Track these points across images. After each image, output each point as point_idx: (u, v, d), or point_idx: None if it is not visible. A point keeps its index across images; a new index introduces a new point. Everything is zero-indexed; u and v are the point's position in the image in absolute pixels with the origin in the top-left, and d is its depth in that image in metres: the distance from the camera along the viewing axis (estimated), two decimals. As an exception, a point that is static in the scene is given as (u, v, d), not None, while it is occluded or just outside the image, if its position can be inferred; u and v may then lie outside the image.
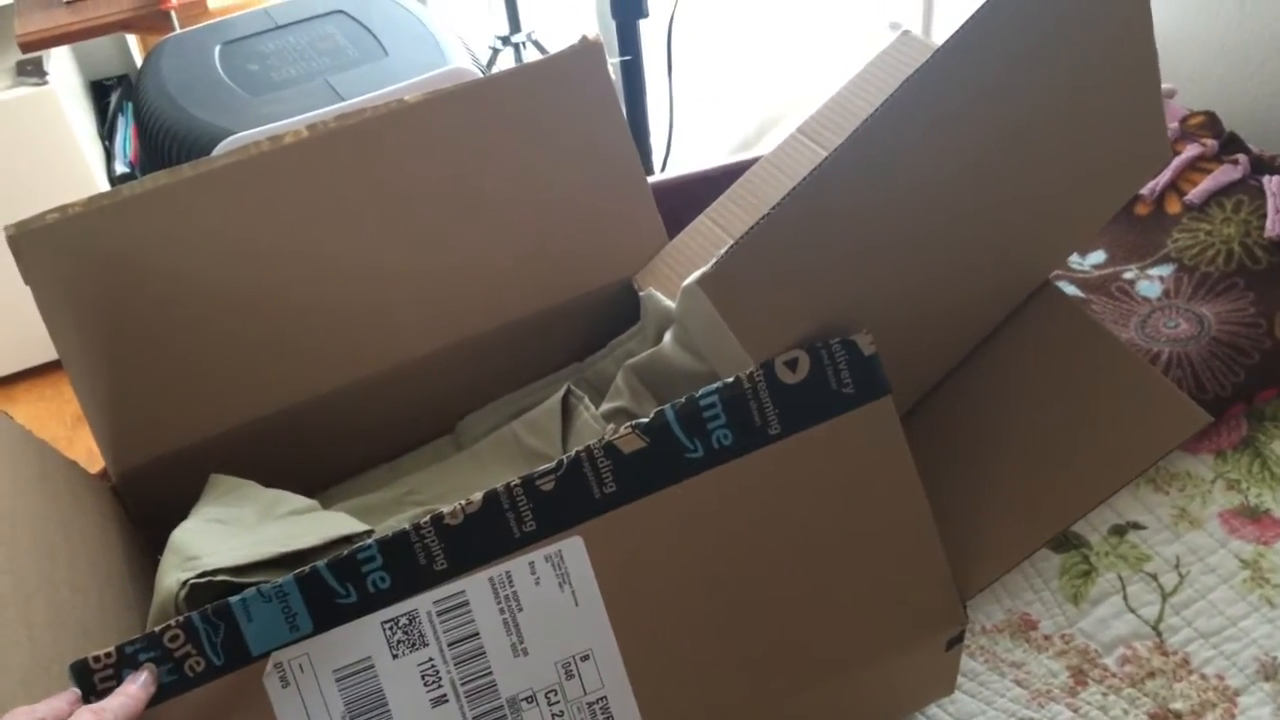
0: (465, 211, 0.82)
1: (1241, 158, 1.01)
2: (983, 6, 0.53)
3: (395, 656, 0.52)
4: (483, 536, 0.52)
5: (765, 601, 0.56)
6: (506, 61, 2.28)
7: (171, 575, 0.58)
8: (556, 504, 0.52)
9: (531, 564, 0.52)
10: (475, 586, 0.52)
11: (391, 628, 0.52)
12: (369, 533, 0.68)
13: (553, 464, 0.52)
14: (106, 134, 2.29)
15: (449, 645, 0.52)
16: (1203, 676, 0.74)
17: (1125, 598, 0.80)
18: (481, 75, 1.19)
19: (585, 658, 0.54)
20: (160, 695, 0.51)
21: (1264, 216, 0.96)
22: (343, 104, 1.09)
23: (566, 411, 0.81)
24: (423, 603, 0.52)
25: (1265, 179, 0.99)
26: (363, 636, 0.51)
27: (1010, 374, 0.66)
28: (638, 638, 0.54)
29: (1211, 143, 1.04)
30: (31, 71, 1.98)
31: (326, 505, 0.77)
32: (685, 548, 0.54)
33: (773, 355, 0.54)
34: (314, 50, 1.25)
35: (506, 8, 2.21)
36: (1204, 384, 0.87)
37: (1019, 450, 0.66)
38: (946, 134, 0.56)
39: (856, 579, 0.57)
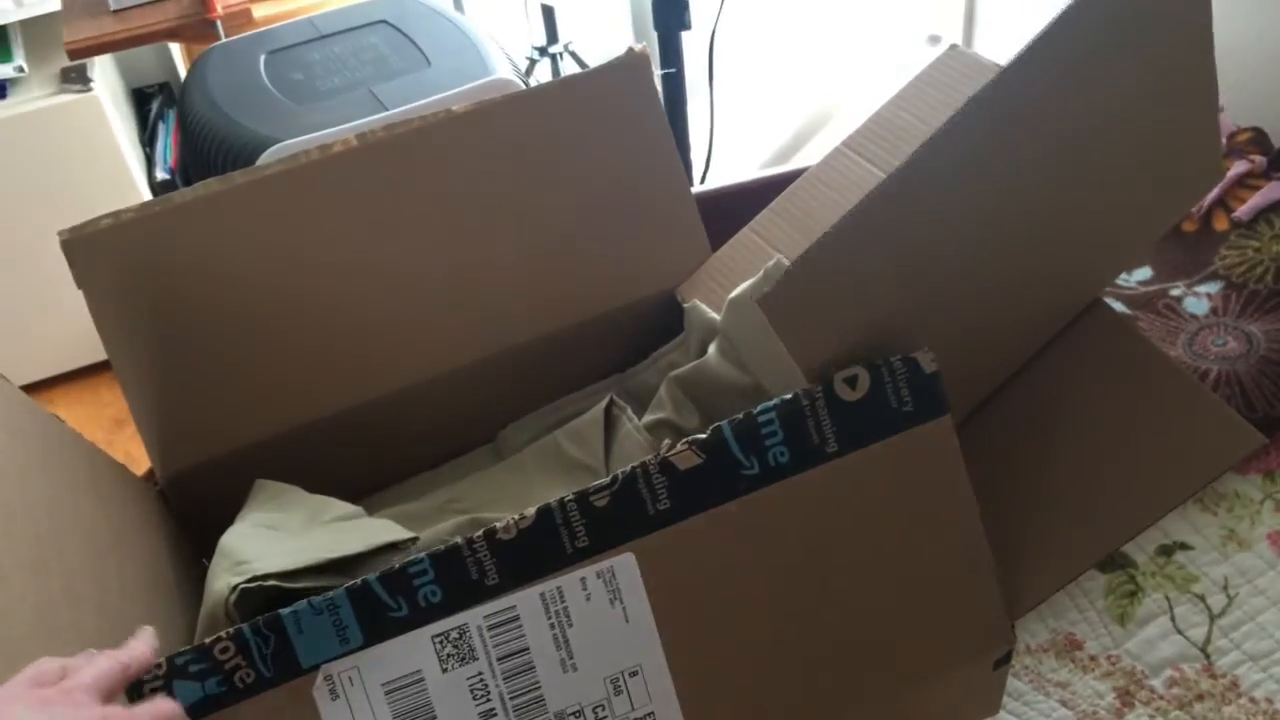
0: (510, 221, 0.82)
1: (1290, 174, 1.00)
2: (1048, 26, 0.52)
3: (445, 670, 0.52)
4: (535, 552, 0.52)
5: (815, 619, 0.56)
6: (543, 72, 2.30)
7: (222, 579, 0.58)
8: (610, 520, 0.52)
9: (583, 580, 0.52)
10: (526, 602, 0.52)
11: (442, 641, 0.52)
12: (414, 540, 0.68)
13: (607, 480, 0.52)
14: (147, 140, 2.31)
15: (498, 660, 0.52)
16: (1252, 700, 0.73)
17: (1173, 619, 0.79)
18: (523, 86, 1.20)
19: (634, 674, 0.54)
20: (209, 706, 0.51)
21: (1314, 234, 0.95)
22: (388, 113, 1.10)
23: (609, 422, 0.81)
24: (473, 617, 0.52)
25: (1315, 196, 0.98)
26: (413, 650, 0.51)
27: (1061, 391, 0.66)
28: (687, 655, 0.54)
29: (1260, 159, 1.02)
30: (75, 79, 2.01)
31: (369, 512, 0.77)
32: (737, 565, 0.54)
33: (831, 371, 0.54)
34: (357, 60, 1.26)
35: (544, 18, 2.22)
36: (1253, 403, 0.86)
37: (1069, 469, 0.65)
38: (1005, 152, 0.55)
39: (907, 597, 0.57)
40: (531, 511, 0.51)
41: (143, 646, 0.50)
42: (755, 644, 0.55)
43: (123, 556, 0.65)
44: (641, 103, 0.84)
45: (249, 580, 0.58)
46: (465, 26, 1.33)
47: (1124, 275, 1.00)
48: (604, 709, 0.54)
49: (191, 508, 0.76)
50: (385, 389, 0.80)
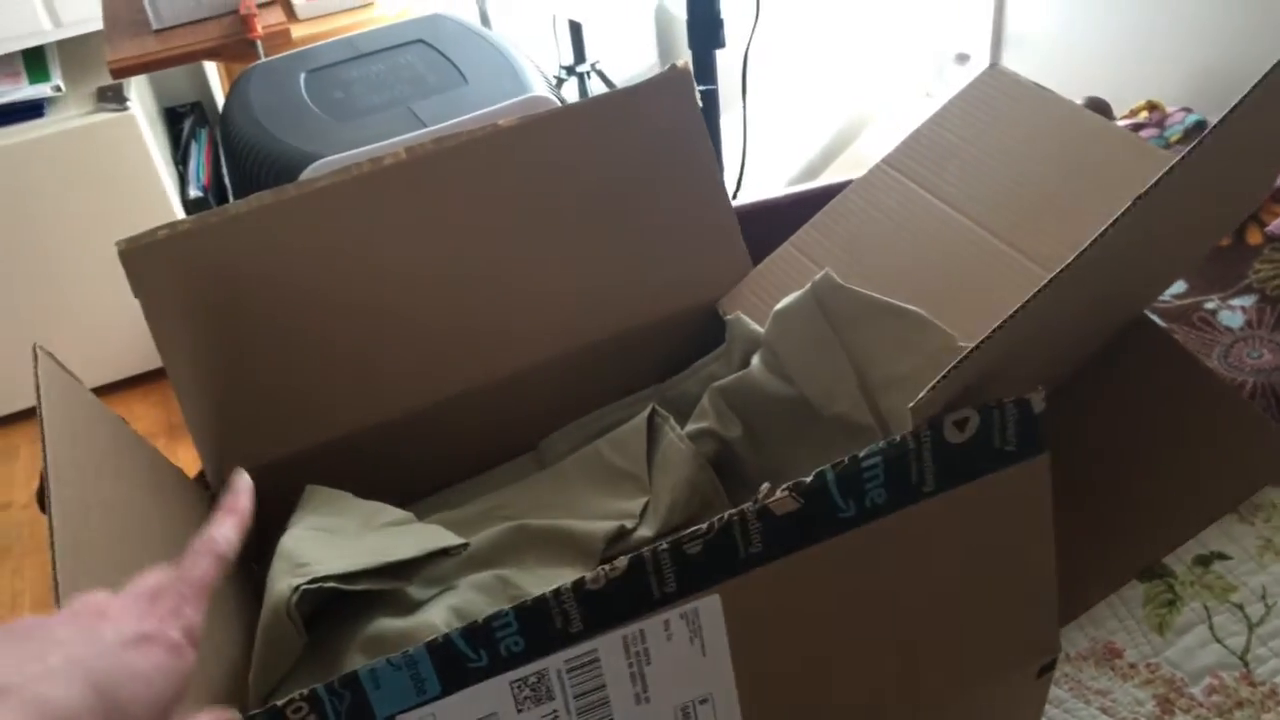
0: (554, 233, 0.84)
1: (1323, 189, 1.01)
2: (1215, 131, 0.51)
3: (520, 710, 0.52)
4: (622, 599, 0.51)
5: (883, 640, 0.56)
6: (570, 90, 2.32)
7: (284, 580, 0.60)
8: (700, 566, 0.51)
9: (666, 622, 0.52)
10: (608, 645, 0.52)
11: (520, 685, 0.51)
12: (464, 546, 0.70)
13: (703, 526, 0.51)
14: (180, 159, 2.35)
15: (575, 697, 0.52)
16: (1292, 708, 0.74)
17: (1211, 628, 0.79)
18: (558, 103, 1.22)
19: (704, 701, 0.54)
20: None
21: (1347, 248, 0.95)
22: (429, 129, 1.12)
23: (651, 431, 0.82)
24: (554, 662, 0.51)
25: (1348, 211, 0.98)
26: (489, 694, 0.51)
27: (1106, 404, 0.66)
28: (755, 681, 0.54)
29: (1292, 175, 1.03)
30: (112, 97, 2.05)
31: (416, 517, 0.78)
32: (814, 596, 0.54)
33: (941, 413, 0.52)
34: (396, 78, 1.28)
35: (571, 38, 2.25)
36: (1289, 415, 0.86)
37: (1112, 480, 0.66)
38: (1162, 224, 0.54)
39: (971, 614, 0.57)
40: (623, 562, 0.50)
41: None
42: (820, 664, 0.55)
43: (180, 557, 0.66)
44: (685, 118, 0.85)
45: (310, 582, 0.59)
46: (500, 45, 1.35)
47: (1158, 289, 1.01)
48: (673, 736, 0.54)
49: (243, 512, 0.77)
50: (431, 398, 0.81)
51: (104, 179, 2.08)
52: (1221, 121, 0.50)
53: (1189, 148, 0.50)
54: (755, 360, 0.76)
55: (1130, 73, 1.42)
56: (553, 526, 0.76)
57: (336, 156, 1.10)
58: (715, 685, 0.54)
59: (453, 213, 0.82)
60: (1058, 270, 0.49)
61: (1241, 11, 1.29)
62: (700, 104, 0.87)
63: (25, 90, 2.05)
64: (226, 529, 0.52)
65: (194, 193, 2.27)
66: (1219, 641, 0.78)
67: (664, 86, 0.85)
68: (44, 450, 0.57)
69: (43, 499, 0.56)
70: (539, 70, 1.32)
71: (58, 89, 2.07)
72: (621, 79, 2.39)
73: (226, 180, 2.42)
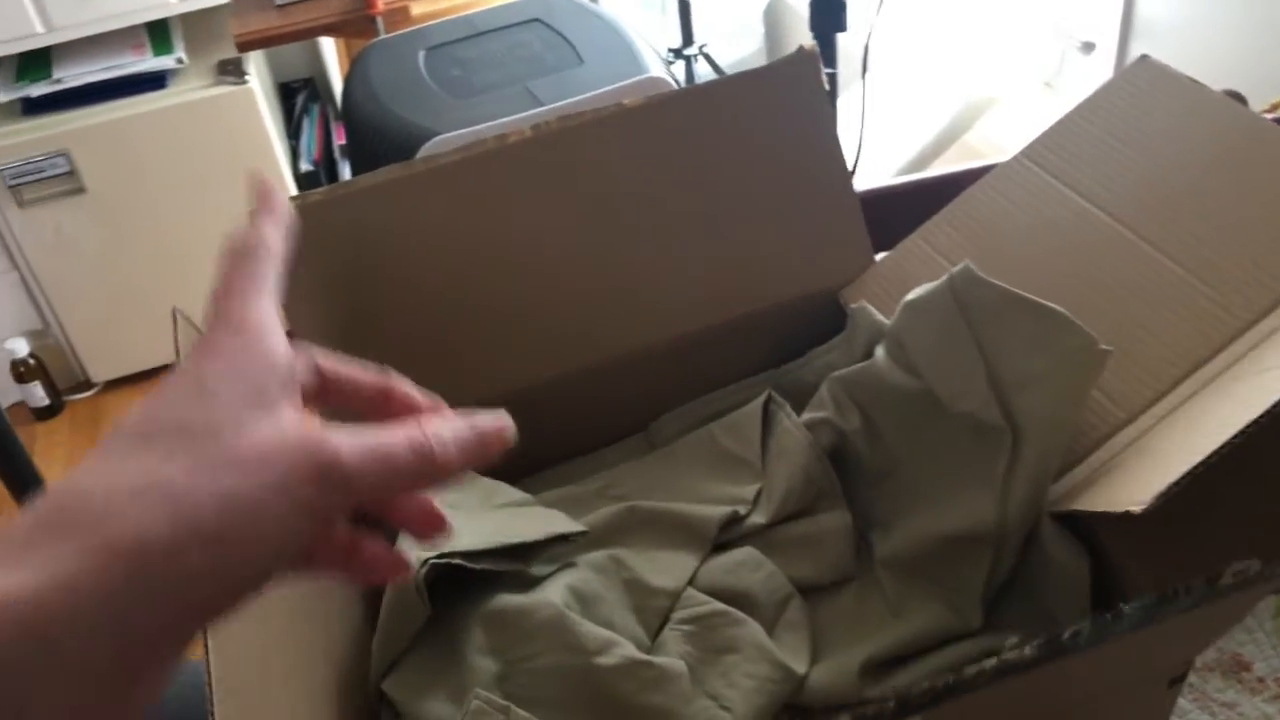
0: (675, 215, 0.83)
1: None
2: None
3: None
4: None
5: None
6: (677, 73, 2.31)
7: (411, 553, 0.61)
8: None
9: None
10: None
11: None
12: (584, 533, 0.70)
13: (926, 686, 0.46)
14: (293, 133, 2.40)
15: None
16: None
17: (1347, 646, 0.76)
18: (674, 84, 1.21)
19: None
20: None
21: None
22: (547, 107, 1.12)
23: (766, 418, 0.81)
24: None
25: None
26: None
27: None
28: None
29: None
30: (232, 71, 2.10)
31: (529, 490, 0.79)
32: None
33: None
34: (513, 57, 1.29)
35: (680, 21, 2.24)
36: None
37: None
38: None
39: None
40: None
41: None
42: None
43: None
44: (810, 102, 0.84)
45: (438, 556, 0.60)
46: (615, 24, 1.35)
47: None
48: None
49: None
50: (543, 375, 0.82)
51: (221, 151, 2.14)
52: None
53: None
54: (879, 351, 0.74)
55: (1268, 66, 1.36)
56: (665, 509, 0.76)
57: (454, 133, 1.11)
58: None
59: (576, 192, 0.82)
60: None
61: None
62: (826, 88, 0.86)
63: (149, 62, 2.11)
64: (269, 229, 0.43)
65: (305, 166, 2.32)
66: (1355, 661, 0.75)
67: (790, 69, 0.84)
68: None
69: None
70: (654, 51, 1.31)
71: (180, 61, 2.13)
72: (729, 64, 2.37)
73: (337, 154, 2.47)
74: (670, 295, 0.83)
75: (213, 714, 0.44)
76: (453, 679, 0.62)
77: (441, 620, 0.64)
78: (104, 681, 0.30)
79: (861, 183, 1.17)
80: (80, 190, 2.16)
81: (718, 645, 0.68)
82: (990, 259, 0.77)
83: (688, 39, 2.24)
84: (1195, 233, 0.70)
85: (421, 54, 1.31)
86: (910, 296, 0.71)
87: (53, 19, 2.07)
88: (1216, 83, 1.19)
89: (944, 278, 0.68)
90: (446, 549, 0.60)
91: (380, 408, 0.44)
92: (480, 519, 0.67)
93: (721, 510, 0.75)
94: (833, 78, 1.23)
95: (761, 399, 0.82)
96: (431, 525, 0.43)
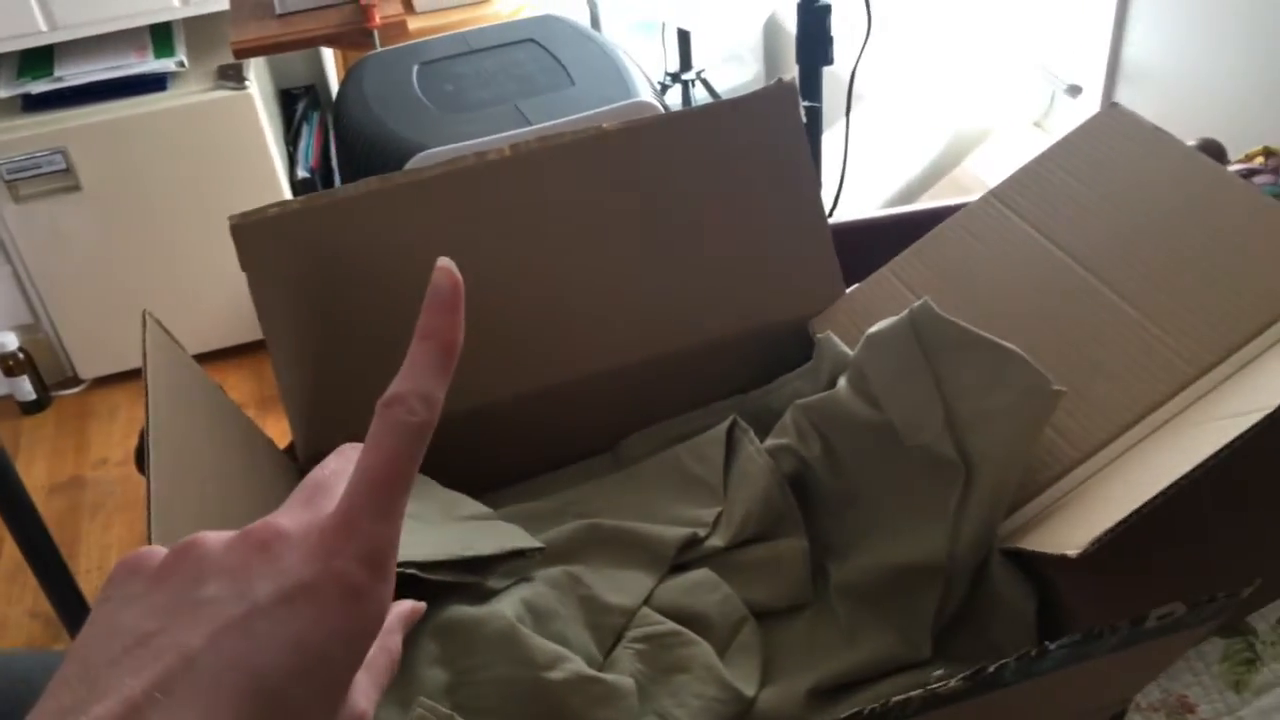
0: (649, 240, 0.85)
1: None
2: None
3: None
4: None
5: None
6: (674, 97, 2.33)
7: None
8: None
9: None
10: None
11: None
12: (541, 550, 0.71)
13: (866, 710, 0.46)
14: (291, 140, 2.42)
15: None
16: (1372, 784, 0.71)
17: (1292, 692, 0.77)
18: (662, 109, 1.23)
19: None
20: None
21: None
22: (533, 128, 1.14)
23: (730, 442, 0.82)
24: None
25: None
26: None
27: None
28: None
29: None
30: (232, 76, 2.12)
31: (492, 504, 0.80)
32: None
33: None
34: (505, 75, 1.31)
35: (679, 46, 2.26)
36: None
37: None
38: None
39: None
40: None
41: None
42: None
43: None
44: (787, 134, 0.85)
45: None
46: (609, 49, 1.37)
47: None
48: None
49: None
50: (513, 391, 0.83)
51: (218, 154, 2.15)
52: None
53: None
54: (842, 381, 0.75)
55: (1250, 115, 1.38)
56: (625, 528, 0.77)
57: (442, 148, 1.12)
58: None
59: (552, 210, 0.83)
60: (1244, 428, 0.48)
61: (1374, 59, 1.24)
62: (804, 120, 0.87)
63: (150, 64, 2.13)
64: (424, 375, 0.34)
65: (301, 173, 2.34)
66: (1299, 707, 0.76)
67: (768, 100, 0.85)
68: (146, 411, 0.59)
69: (140, 458, 0.58)
70: (645, 76, 1.33)
71: (181, 64, 2.15)
72: (725, 89, 2.39)
73: (334, 163, 2.48)
74: (641, 318, 0.84)
75: None
76: (402, 688, 0.63)
77: (394, 629, 0.64)
78: None
79: (844, 214, 1.19)
80: (76, 188, 2.17)
81: (669, 665, 0.69)
82: (955, 295, 0.79)
83: (686, 64, 2.26)
84: (1154, 279, 0.72)
85: (415, 68, 1.32)
86: (872, 329, 0.72)
87: (57, 18, 2.09)
88: (1200, 129, 1.21)
89: (905, 312, 0.69)
90: (402, 559, 0.61)
91: None
92: (439, 530, 0.68)
93: (680, 531, 0.76)
94: (816, 110, 1.25)
95: (726, 424, 0.83)
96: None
